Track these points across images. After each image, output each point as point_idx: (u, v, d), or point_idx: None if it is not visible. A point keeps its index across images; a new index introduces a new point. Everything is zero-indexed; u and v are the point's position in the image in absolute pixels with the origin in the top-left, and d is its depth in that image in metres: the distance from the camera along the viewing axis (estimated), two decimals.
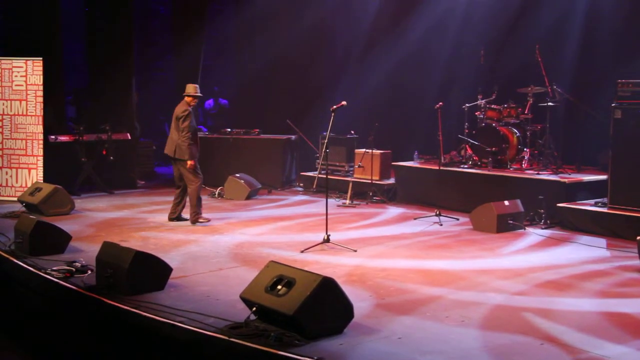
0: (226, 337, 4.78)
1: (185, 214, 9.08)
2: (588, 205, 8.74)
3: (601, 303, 5.81)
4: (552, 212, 8.87)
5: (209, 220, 8.99)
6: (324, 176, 8.19)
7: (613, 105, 8.41)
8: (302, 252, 7.44)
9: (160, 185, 12.85)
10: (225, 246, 7.79)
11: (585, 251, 7.67)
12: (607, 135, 8.65)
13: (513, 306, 5.69)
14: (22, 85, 10.83)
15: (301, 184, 12.32)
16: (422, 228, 8.89)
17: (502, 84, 10.62)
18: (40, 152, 10.79)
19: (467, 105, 10.60)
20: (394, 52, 12.35)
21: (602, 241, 8.06)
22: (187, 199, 9.03)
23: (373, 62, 12.69)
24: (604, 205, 8.53)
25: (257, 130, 12.76)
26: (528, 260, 7.23)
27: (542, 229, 8.69)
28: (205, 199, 10.53)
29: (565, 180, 9.12)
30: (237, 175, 11.34)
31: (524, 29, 10.93)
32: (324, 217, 7.83)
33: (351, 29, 13.32)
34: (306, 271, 5.22)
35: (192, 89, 8.96)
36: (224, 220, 9.27)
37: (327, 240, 7.66)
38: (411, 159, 11.17)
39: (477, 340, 4.93)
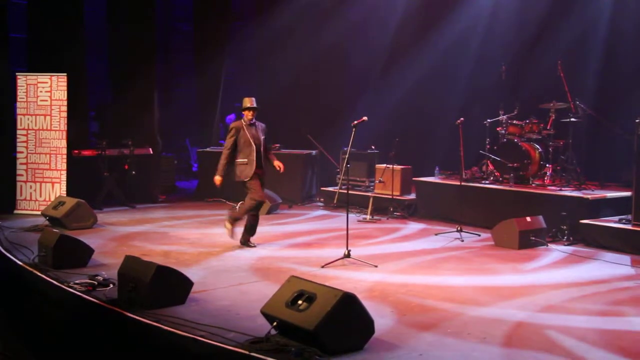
0: (247, 352, 4.78)
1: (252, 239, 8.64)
2: (612, 222, 8.64)
3: (626, 321, 5.72)
4: (574, 228, 8.78)
5: (253, 246, 8.49)
6: (345, 191, 8.18)
7: (637, 121, 8.31)
8: (322, 267, 7.43)
9: (181, 199, 12.94)
10: (246, 261, 7.81)
11: (609, 268, 7.57)
12: (630, 152, 8.56)
13: (536, 323, 5.62)
14: (46, 101, 10.99)
15: (322, 199, 12.31)
16: (443, 244, 8.84)
17: (524, 100, 10.57)
18: (64, 166, 10.91)
19: (488, 120, 10.56)
20: (415, 68, 12.35)
21: (626, 258, 7.95)
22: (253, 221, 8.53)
23: (394, 78, 12.70)
24: (628, 222, 8.43)
25: (278, 145, 12.80)
26: (551, 277, 7.16)
27: (565, 245, 8.60)
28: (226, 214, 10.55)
29: (589, 196, 9.03)
30: None
31: (545, 44, 10.92)
32: (345, 232, 7.82)
33: (372, 45, 13.35)
34: (327, 286, 5.20)
35: (244, 101, 8.50)
36: None
37: (347, 256, 7.63)
38: (432, 175, 11.15)
39: (499, 357, 4.88)
